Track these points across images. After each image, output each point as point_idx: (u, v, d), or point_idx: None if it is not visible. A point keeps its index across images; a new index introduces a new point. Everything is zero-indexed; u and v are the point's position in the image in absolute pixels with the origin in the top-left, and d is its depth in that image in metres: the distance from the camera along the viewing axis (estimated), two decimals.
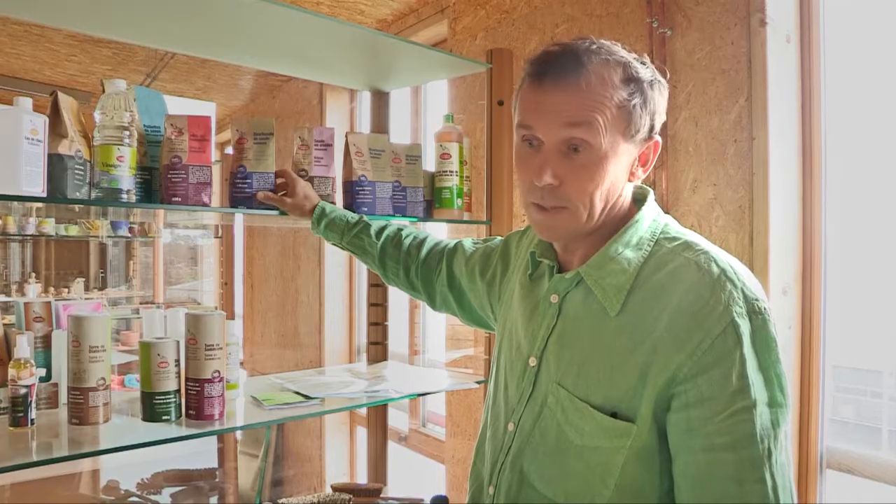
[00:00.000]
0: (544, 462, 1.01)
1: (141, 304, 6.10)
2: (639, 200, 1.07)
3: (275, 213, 1.54)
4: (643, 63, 1.00)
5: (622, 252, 1.00)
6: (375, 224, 1.57)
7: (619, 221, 1.03)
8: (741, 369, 0.87)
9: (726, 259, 0.95)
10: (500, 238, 1.41)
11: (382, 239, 1.54)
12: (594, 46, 0.97)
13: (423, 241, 1.54)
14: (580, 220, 0.99)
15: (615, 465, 0.93)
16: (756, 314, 0.90)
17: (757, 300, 0.91)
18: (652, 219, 1.04)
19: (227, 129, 5.72)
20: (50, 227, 5.55)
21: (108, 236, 5.99)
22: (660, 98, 1.01)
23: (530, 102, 0.99)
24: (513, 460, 1.05)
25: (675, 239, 1.01)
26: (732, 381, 0.87)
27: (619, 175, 0.99)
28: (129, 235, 5.96)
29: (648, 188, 1.08)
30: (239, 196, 1.53)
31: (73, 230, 5.70)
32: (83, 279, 6.02)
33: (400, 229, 1.57)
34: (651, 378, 0.91)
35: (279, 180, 1.58)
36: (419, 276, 1.51)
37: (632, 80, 0.97)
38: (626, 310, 0.97)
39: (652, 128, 1.00)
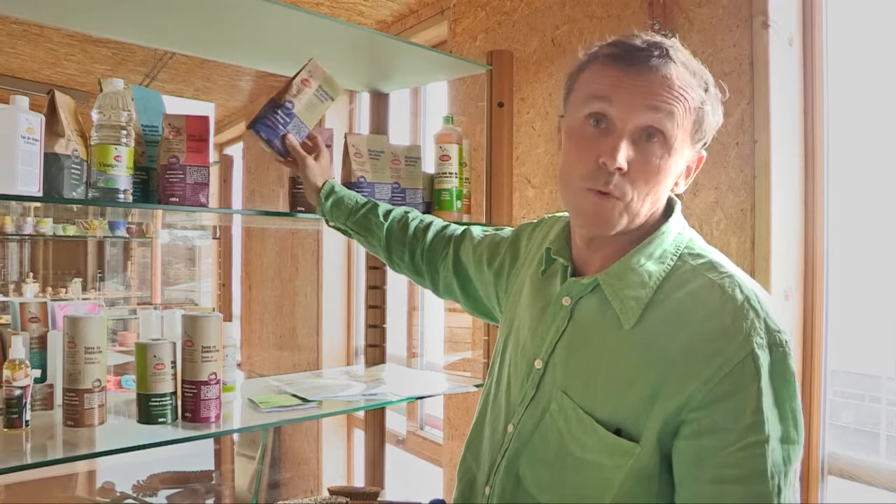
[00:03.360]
0: (542, 469, 0.99)
1: (139, 304, 6.08)
2: (665, 210, 1.03)
3: (270, 214, 1.53)
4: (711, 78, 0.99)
5: (644, 264, 0.96)
6: (383, 206, 1.52)
7: (646, 230, 1.00)
8: (757, 403, 0.85)
9: (751, 285, 0.92)
10: (510, 228, 1.38)
11: (390, 220, 1.49)
12: (678, 45, 0.96)
13: (429, 224, 1.50)
14: (630, 213, 0.95)
15: (613, 483, 0.91)
16: (777, 347, 0.87)
17: (779, 332, 0.88)
18: (677, 232, 1.01)
19: (227, 129, 5.74)
20: (48, 226, 5.53)
21: (106, 236, 5.97)
22: (720, 115, 0.99)
23: (610, 78, 0.94)
24: (509, 463, 1.03)
25: (699, 256, 0.97)
26: (747, 413, 0.85)
27: (674, 178, 0.98)
28: (127, 236, 5.94)
29: (677, 199, 1.05)
30: (269, 126, 1.47)
31: (71, 230, 5.68)
32: (81, 279, 6.00)
33: (407, 212, 1.53)
34: (661, 400, 0.89)
35: (308, 143, 1.53)
36: (424, 259, 1.46)
37: (706, 89, 0.96)
38: (642, 324, 0.94)
39: (707, 138, 0.99)
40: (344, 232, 1.54)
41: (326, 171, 1.55)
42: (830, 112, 1.88)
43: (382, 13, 3.38)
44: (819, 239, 1.88)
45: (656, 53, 0.93)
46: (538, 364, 1.04)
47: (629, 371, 0.92)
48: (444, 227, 1.49)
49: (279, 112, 1.47)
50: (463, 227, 1.47)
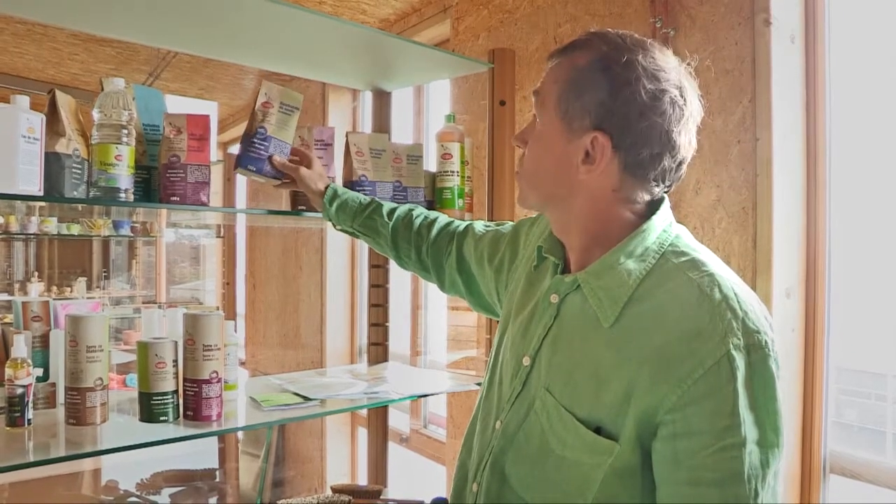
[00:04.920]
0: (525, 467, 0.99)
1: (143, 303, 6.10)
2: (653, 207, 1.01)
3: (271, 213, 1.53)
4: (656, 66, 0.93)
5: (624, 262, 0.95)
6: (387, 205, 1.52)
7: (628, 228, 0.99)
8: (733, 406, 0.83)
9: (731, 284, 0.90)
10: (510, 223, 1.37)
11: (394, 219, 1.49)
12: (599, 34, 0.96)
13: (433, 220, 1.50)
14: (524, 190, 1.05)
15: (594, 480, 0.91)
16: (756, 348, 0.85)
17: (759, 333, 0.86)
18: (662, 229, 0.99)
19: (231, 128, 5.75)
20: (52, 226, 5.55)
21: (111, 235, 5.99)
22: (625, 93, 0.92)
23: None
24: (494, 461, 1.03)
25: (682, 254, 0.95)
26: (723, 416, 0.83)
27: (554, 160, 0.99)
28: (132, 235, 5.96)
29: (665, 195, 1.02)
30: (252, 156, 1.49)
31: (76, 229, 5.70)
32: (86, 278, 6.02)
33: (411, 209, 1.53)
34: (635, 399, 0.88)
35: (294, 157, 1.55)
36: (429, 256, 1.46)
37: (599, 68, 0.93)
38: (621, 323, 0.93)
39: (595, 119, 0.94)
40: (352, 234, 1.55)
41: (323, 174, 1.56)
42: (832, 109, 1.88)
43: (385, 12, 3.38)
44: (821, 237, 1.87)
45: (570, 44, 0.98)
46: (526, 361, 1.03)
47: (606, 369, 0.92)
48: (448, 224, 1.49)
49: (255, 140, 1.49)
50: (466, 223, 1.46)
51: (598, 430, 0.91)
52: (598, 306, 0.95)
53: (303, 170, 1.52)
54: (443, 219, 1.51)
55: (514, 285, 1.21)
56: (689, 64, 1.01)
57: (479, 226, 1.43)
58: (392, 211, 1.51)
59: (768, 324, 0.89)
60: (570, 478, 0.93)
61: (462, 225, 1.47)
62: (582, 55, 0.96)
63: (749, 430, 0.84)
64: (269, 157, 1.50)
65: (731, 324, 0.86)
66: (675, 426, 0.86)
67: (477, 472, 1.06)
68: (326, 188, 1.52)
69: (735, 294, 0.89)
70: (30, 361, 1.28)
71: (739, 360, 0.84)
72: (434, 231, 1.47)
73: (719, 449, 0.83)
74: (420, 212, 1.53)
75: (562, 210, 1.02)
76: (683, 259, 0.95)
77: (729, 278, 0.92)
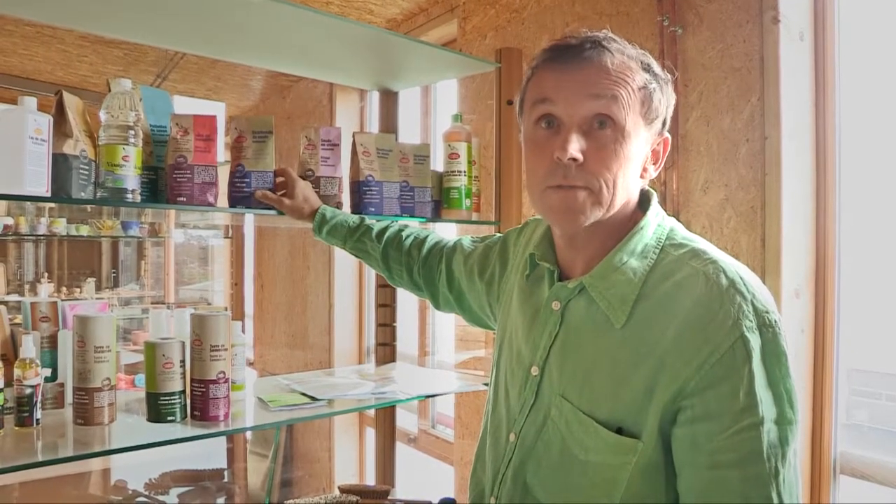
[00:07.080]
0: (548, 476, 0.99)
1: (152, 303, 6.11)
2: (642, 203, 1.03)
3: (275, 213, 1.53)
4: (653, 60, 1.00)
5: (627, 261, 0.96)
6: (377, 226, 1.54)
7: (625, 225, 1.00)
8: (749, 385, 0.84)
9: (735, 269, 0.92)
10: (498, 235, 1.37)
11: (384, 241, 1.52)
12: (611, 35, 0.98)
13: (423, 240, 1.51)
14: (602, 202, 0.95)
15: (620, 481, 0.91)
16: (766, 328, 0.87)
17: (767, 313, 0.88)
18: (657, 224, 1.01)
19: None
20: (61, 227, 5.57)
21: (120, 236, 6.00)
22: (670, 94, 1.00)
23: (550, 80, 0.96)
24: (514, 472, 1.03)
25: (681, 246, 0.97)
26: (740, 397, 0.84)
27: (637, 162, 0.98)
28: (141, 235, 5.98)
29: (652, 191, 1.05)
30: (237, 195, 1.51)
31: (85, 230, 5.72)
32: (95, 279, 6.03)
33: (401, 229, 1.55)
34: (658, 392, 0.89)
35: (279, 179, 1.56)
36: (421, 276, 1.48)
37: (647, 69, 0.97)
38: (632, 321, 0.93)
39: (665, 121, 1.00)
40: (348, 251, 1.57)
41: (308, 197, 1.57)
42: (842, 107, 1.86)
43: (392, 11, 3.38)
44: (831, 236, 1.86)
45: (588, 46, 0.95)
46: (534, 371, 1.03)
47: (624, 368, 0.92)
48: (437, 242, 1.50)
49: (236, 179, 1.51)
50: (454, 241, 1.47)
51: (619, 431, 0.92)
52: (609, 308, 0.95)
53: (286, 202, 1.53)
54: (432, 238, 1.52)
55: (506, 297, 1.21)
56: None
57: (467, 241, 1.44)
58: (381, 233, 1.53)
59: (773, 303, 0.91)
60: (595, 481, 0.93)
61: (451, 242, 1.48)
62: (624, 54, 0.97)
63: (767, 408, 0.85)
64: (252, 193, 1.52)
65: (741, 307, 0.87)
66: (694, 410, 0.87)
67: (494, 486, 1.06)
68: (315, 212, 1.54)
69: (741, 277, 0.91)
70: (38, 362, 1.29)
71: (754, 342, 0.86)
72: (424, 251, 1.49)
73: (738, 430, 0.84)
74: (409, 232, 1.54)
75: (609, 218, 0.99)
76: (683, 250, 0.96)
77: (731, 263, 0.93)
